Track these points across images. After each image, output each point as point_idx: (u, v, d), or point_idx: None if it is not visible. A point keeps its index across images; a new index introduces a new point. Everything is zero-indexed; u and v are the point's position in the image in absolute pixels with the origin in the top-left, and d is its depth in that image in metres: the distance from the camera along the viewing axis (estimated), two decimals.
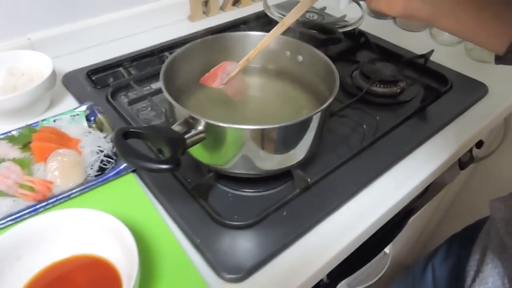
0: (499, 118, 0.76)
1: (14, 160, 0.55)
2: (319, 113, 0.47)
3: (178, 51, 0.56)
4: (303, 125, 0.48)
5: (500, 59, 0.47)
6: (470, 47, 0.87)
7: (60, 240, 0.44)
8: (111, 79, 0.79)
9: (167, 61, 0.53)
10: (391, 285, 0.84)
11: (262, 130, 0.46)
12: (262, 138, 0.47)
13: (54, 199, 0.52)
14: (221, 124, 0.44)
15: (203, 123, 0.45)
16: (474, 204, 1.12)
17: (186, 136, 0.44)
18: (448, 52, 0.90)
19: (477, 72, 0.81)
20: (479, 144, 0.78)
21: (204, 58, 0.60)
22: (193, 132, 0.45)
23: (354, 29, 0.86)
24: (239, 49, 0.61)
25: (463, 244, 0.72)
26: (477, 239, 0.63)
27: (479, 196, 1.09)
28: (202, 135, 0.45)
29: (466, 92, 0.76)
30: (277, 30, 0.54)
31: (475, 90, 0.77)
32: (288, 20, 0.52)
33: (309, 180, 0.54)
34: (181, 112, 0.46)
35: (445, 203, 1.13)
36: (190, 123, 0.46)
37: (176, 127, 0.45)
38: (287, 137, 0.48)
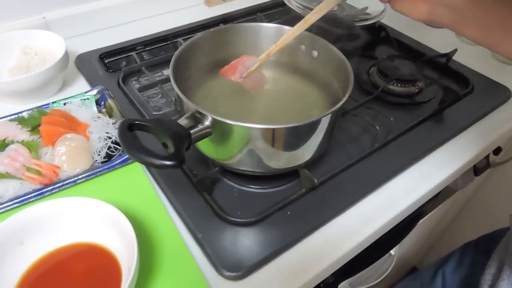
0: None
1: (22, 142, 0.55)
2: (329, 115, 0.45)
3: (189, 41, 0.55)
4: (312, 126, 0.46)
5: None
6: None
7: (61, 227, 0.44)
8: (124, 63, 0.78)
9: (177, 52, 0.52)
10: (396, 286, 0.83)
11: (270, 129, 0.44)
12: (270, 137, 0.45)
13: (60, 184, 0.52)
14: (228, 121, 0.43)
15: (210, 118, 0.44)
16: (488, 208, 1.09)
17: (192, 131, 0.43)
18: (472, 51, 0.86)
19: (501, 74, 0.78)
20: (497, 151, 0.76)
21: (216, 48, 0.59)
22: (199, 127, 0.44)
23: (375, 23, 0.83)
24: (251, 40, 0.60)
25: (477, 254, 0.70)
26: (493, 252, 0.61)
27: (493, 200, 1.07)
28: (208, 130, 0.45)
29: (487, 95, 0.73)
30: (299, 27, 0.52)
31: (498, 94, 0.74)
32: (312, 18, 0.51)
33: (315, 180, 0.52)
34: (189, 106, 0.45)
35: (457, 206, 1.11)
36: (197, 118, 0.45)
37: (183, 121, 0.44)
38: (295, 137, 0.47)
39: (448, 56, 0.78)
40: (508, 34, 0.44)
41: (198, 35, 0.56)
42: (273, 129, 0.45)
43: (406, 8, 0.47)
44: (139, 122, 0.42)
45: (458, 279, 0.71)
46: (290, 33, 0.53)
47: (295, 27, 0.53)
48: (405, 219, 0.59)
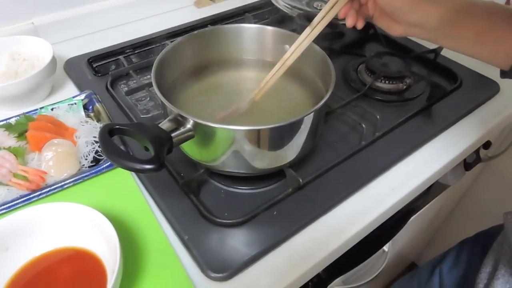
0: (509, 118, 0.73)
1: (9, 148, 0.55)
2: (312, 114, 0.45)
3: (171, 44, 0.55)
4: (295, 126, 0.46)
5: (505, 74, 0.46)
6: None
7: (46, 232, 0.45)
8: (112, 67, 0.78)
9: (159, 56, 0.52)
10: (394, 285, 0.83)
11: (252, 130, 0.45)
12: (252, 138, 0.46)
13: (48, 189, 0.53)
14: (209, 124, 0.43)
15: (191, 121, 0.44)
16: (483, 203, 1.09)
17: (173, 135, 0.43)
18: None
19: (490, 69, 0.75)
20: (487, 145, 0.76)
21: (200, 50, 0.59)
22: (181, 130, 0.44)
23: None
24: (234, 41, 0.60)
25: (474, 252, 0.70)
26: (489, 250, 0.61)
27: (487, 195, 1.07)
28: (190, 133, 0.45)
29: (476, 90, 0.73)
30: (278, 71, 0.53)
31: (486, 88, 0.74)
32: (289, 59, 0.52)
33: (301, 180, 0.53)
34: (170, 108, 0.45)
35: (452, 202, 1.11)
36: (179, 121, 0.45)
37: (165, 124, 0.44)
38: (278, 137, 0.47)
39: (436, 51, 0.78)
40: (484, 46, 0.45)
41: (181, 38, 0.56)
42: (255, 130, 0.45)
43: (382, 25, 0.49)
44: (120, 127, 0.42)
45: (455, 277, 0.71)
46: (269, 77, 0.54)
47: (274, 70, 0.53)
48: (396, 215, 0.59)
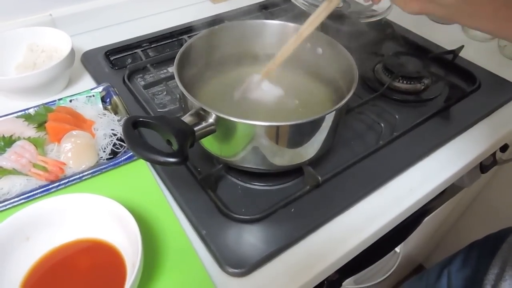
0: None
1: (29, 139, 0.55)
2: (333, 112, 0.45)
3: (193, 38, 0.55)
4: (316, 124, 0.46)
5: None
6: (504, 44, 0.82)
7: (66, 223, 0.45)
8: (129, 60, 0.78)
9: (181, 49, 0.52)
10: (403, 286, 0.83)
11: (274, 127, 0.44)
12: (273, 134, 0.45)
13: (66, 180, 0.53)
14: (232, 119, 0.43)
15: (213, 116, 0.44)
16: (494, 206, 1.08)
17: (196, 128, 0.43)
18: (479, 48, 0.85)
19: (509, 71, 0.77)
20: (504, 148, 0.75)
21: (221, 45, 0.59)
22: (203, 124, 0.44)
23: (380, 19, 0.82)
24: (256, 37, 0.60)
25: (482, 254, 0.70)
26: (498, 251, 0.61)
27: (499, 198, 1.06)
28: (212, 127, 0.45)
29: (494, 92, 0.73)
30: (294, 43, 0.53)
31: (505, 91, 0.73)
32: (305, 32, 0.52)
33: (319, 178, 0.52)
34: (193, 103, 0.45)
35: (464, 204, 1.10)
36: (201, 115, 0.45)
37: (187, 118, 0.44)
38: (299, 135, 0.47)
39: (455, 52, 0.77)
40: (503, 23, 0.44)
41: (203, 32, 0.56)
42: (277, 126, 0.45)
43: (399, 3, 0.48)
44: (144, 119, 0.42)
45: (463, 278, 0.70)
46: (285, 49, 0.54)
47: (290, 43, 0.53)
48: (410, 216, 0.59)
